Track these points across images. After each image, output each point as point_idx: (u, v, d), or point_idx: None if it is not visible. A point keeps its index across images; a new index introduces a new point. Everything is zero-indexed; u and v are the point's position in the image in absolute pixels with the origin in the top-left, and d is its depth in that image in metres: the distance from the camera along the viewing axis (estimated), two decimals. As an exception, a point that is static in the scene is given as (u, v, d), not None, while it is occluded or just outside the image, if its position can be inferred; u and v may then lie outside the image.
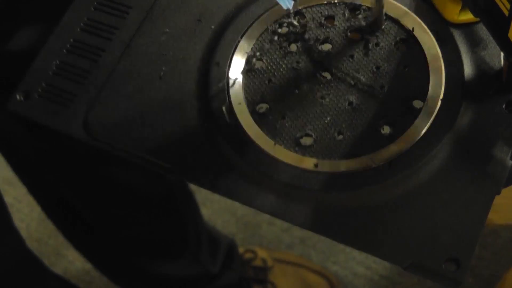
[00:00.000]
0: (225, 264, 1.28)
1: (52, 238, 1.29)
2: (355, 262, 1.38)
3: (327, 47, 0.66)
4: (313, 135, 0.62)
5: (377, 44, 0.65)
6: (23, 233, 1.52)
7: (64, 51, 0.69)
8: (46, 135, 0.94)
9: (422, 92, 0.62)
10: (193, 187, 1.18)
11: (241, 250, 1.36)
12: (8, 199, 1.55)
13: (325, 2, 0.67)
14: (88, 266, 1.32)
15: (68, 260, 1.46)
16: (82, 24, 0.70)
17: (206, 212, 1.46)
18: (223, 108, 0.64)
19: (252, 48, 0.66)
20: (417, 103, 0.62)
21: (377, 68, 0.64)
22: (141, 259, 1.18)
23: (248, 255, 1.35)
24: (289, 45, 0.66)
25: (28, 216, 1.49)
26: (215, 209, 1.46)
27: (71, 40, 0.70)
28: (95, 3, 0.71)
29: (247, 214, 1.45)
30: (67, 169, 1.02)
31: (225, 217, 1.46)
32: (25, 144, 0.99)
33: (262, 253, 1.36)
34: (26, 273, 1.04)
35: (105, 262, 1.23)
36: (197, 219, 1.22)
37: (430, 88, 0.62)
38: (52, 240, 1.41)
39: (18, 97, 0.68)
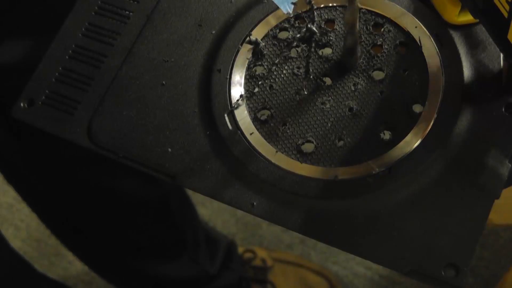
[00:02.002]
0: (224, 264, 1.27)
1: (52, 238, 1.29)
2: (355, 262, 1.38)
3: (327, 51, 0.66)
4: (314, 141, 0.62)
5: (376, 48, 0.65)
6: (23, 233, 1.53)
7: (67, 57, 0.69)
8: (36, 144, 0.94)
9: (421, 96, 0.62)
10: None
11: (240, 250, 1.36)
12: (8, 199, 1.55)
13: (322, 5, 0.67)
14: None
15: (68, 260, 1.46)
16: (83, 29, 0.70)
17: (206, 212, 1.46)
18: (225, 115, 0.64)
19: (252, 53, 0.66)
20: (417, 107, 0.62)
21: (377, 72, 0.64)
22: (138, 260, 1.18)
23: (247, 255, 1.35)
24: (289, 50, 0.66)
25: (28, 216, 1.48)
26: (215, 209, 1.46)
27: (73, 45, 0.70)
28: (96, 8, 0.71)
29: (247, 214, 1.43)
30: (58, 178, 1.01)
31: (225, 217, 1.46)
32: (14, 155, 0.98)
33: (261, 253, 1.36)
34: (14, 276, 1.04)
35: (102, 264, 1.23)
36: (194, 221, 1.22)
37: (429, 91, 0.62)
38: (52, 240, 1.41)
39: (22, 104, 0.68)
